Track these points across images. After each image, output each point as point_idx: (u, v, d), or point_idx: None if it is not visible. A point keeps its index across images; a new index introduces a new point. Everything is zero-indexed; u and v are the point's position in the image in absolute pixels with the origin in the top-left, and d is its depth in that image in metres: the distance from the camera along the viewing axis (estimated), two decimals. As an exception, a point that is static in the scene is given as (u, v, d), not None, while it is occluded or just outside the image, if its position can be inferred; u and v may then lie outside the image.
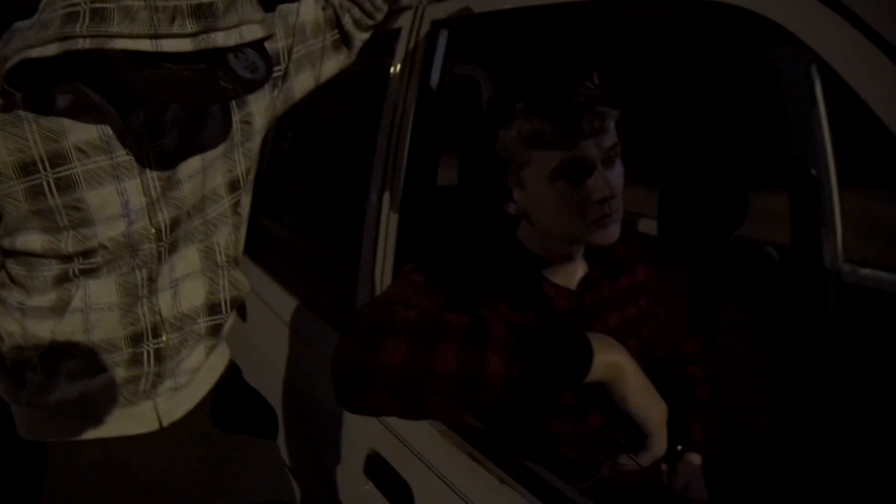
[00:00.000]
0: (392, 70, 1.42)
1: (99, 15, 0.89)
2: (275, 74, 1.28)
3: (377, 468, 1.32)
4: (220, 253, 1.30)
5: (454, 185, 1.96)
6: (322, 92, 1.42)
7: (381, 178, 1.39)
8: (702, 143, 2.08)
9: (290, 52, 1.31)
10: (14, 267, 1.17)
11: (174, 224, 1.20)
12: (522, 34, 1.54)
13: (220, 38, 0.93)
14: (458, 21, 1.27)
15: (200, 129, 1.20)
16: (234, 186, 1.28)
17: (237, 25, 0.95)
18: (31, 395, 1.22)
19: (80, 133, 1.08)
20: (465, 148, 1.18)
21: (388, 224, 1.36)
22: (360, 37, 1.39)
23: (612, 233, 1.03)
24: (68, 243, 1.12)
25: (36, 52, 0.94)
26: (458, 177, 1.23)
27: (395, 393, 0.83)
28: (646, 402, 0.89)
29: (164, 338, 1.24)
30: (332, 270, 1.87)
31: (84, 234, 1.12)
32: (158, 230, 1.18)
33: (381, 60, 1.48)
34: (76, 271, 1.15)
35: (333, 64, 1.39)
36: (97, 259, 1.15)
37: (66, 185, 1.08)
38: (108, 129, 1.09)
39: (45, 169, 1.07)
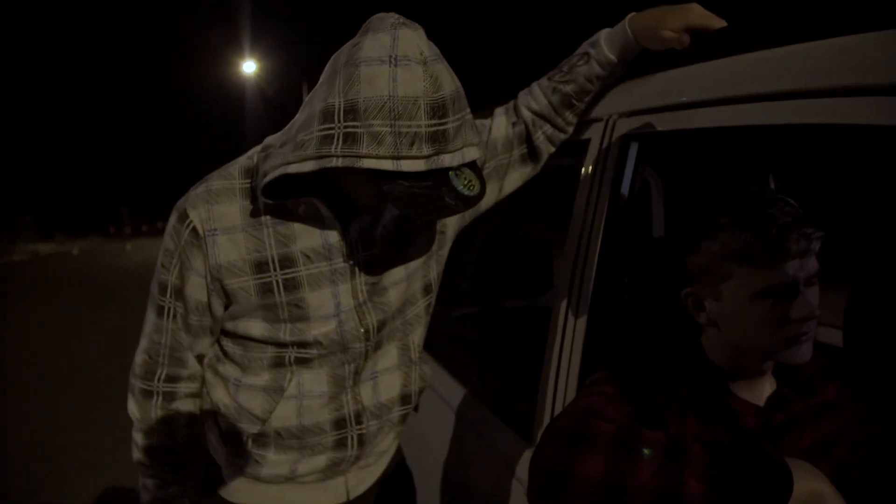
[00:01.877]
0: (581, 177, 1.47)
1: (351, 138, 1.03)
2: None
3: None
4: (414, 349, 1.41)
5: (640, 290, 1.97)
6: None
7: (568, 282, 1.43)
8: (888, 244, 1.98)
9: (482, 168, 1.40)
10: (231, 346, 1.31)
11: (381, 326, 1.32)
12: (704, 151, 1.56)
13: (447, 160, 1.05)
14: (647, 136, 1.32)
15: (405, 241, 1.33)
16: (427, 290, 1.41)
17: (461, 148, 1.06)
18: (245, 463, 1.35)
19: (307, 240, 1.23)
20: (640, 250, 1.19)
21: (576, 330, 1.39)
22: (549, 150, 1.48)
23: (807, 351, 1.02)
24: (286, 333, 1.26)
25: (293, 168, 1.09)
26: (630, 276, 1.25)
27: (592, 502, 0.84)
28: None
29: (364, 424, 1.35)
30: (508, 367, 1.91)
31: (299, 328, 1.25)
32: (367, 331, 1.30)
33: (563, 165, 1.55)
34: (291, 359, 1.29)
35: (519, 176, 1.49)
36: (312, 352, 1.28)
37: (291, 285, 1.23)
38: (330, 239, 1.24)
39: (275, 269, 1.23)
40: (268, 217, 1.22)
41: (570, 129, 1.48)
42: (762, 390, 1.11)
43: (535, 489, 0.89)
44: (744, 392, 1.09)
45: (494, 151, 1.44)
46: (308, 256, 1.24)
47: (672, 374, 1.10)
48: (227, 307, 1.28)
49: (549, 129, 1.46)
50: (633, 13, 1.36)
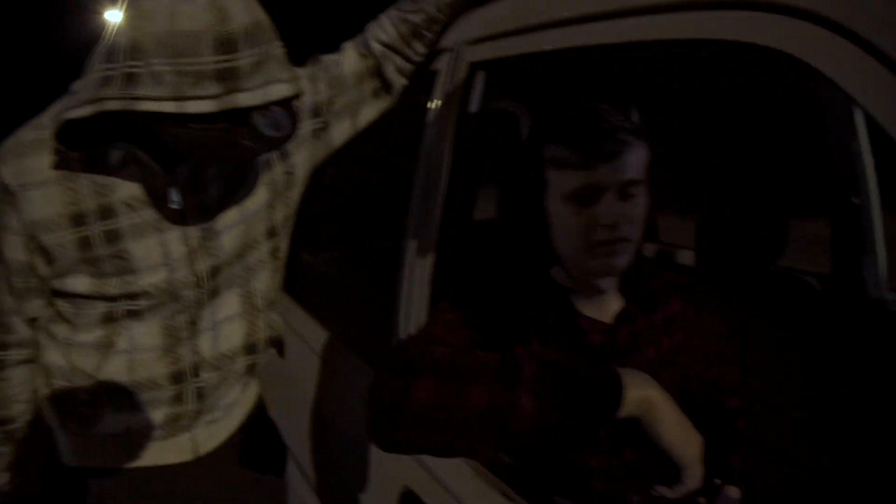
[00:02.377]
0: (430, 110, 1.44)
1: (130, 79, 0.96)
2: (315, 126, 1.35)
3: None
4: (259, 297, 1.35)
5: (490, 220, 1.99)
6: (362, 131, 1.45)
7: (418, 215, 1.42)
8: (740, 171, 2.07)
9: (331, 104, 1.36)
10: (63, 304, 1.24)
11: (214, 272, 1.26)
12: (558, 75, 1.56)
13: (243, 99, 0.98)
14: (494, 63, 1.30)
15: (241, 183, 1.26)
16: (271, 233, 1.34)
17: (263, 85, 0.99)
18: (78, 425, 1.29)
19: (128, 189, 1.16)
20: (501, 180, 1.19)
21: (425, 260, 1.38)
22: (401, 83, 1.44)
23: (617, 264, 1.04)
24: (113, 287, 1.19)
25: (73, 114, 1.02)
26: (497, 210, 1.25)
27: (427, 431, 0.84)
28: (680, 435, 0.89)
29: (204, 377, 1.30)
30: (369, 306, 1.89)
31: (127, 280, 1.19)
32: (199, 278, 1.24)
33: (419, 99, 1.51)
34: (121, 312, 1.22)
35: (374, 111, 1.45)
36: (141, 303, 1.22)
37: (113, 236, 1.16)
38: (153, 185, 1.16)
39: (94, 221, 1.15)
40: (81, 168, 1.14)
41: (420, 60, 1.44)
42: (609, 308, 1.13)
43: (371, 418, 0.89)
44: (590, 310, 1.12)
45: (345, 87, 1.39)
46: (130, 205, 1.16)
47: (518, 295, 1.11)
48: (50, 265, 1.20)
49: (399, 60, 1.42)
50: None
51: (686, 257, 2.64)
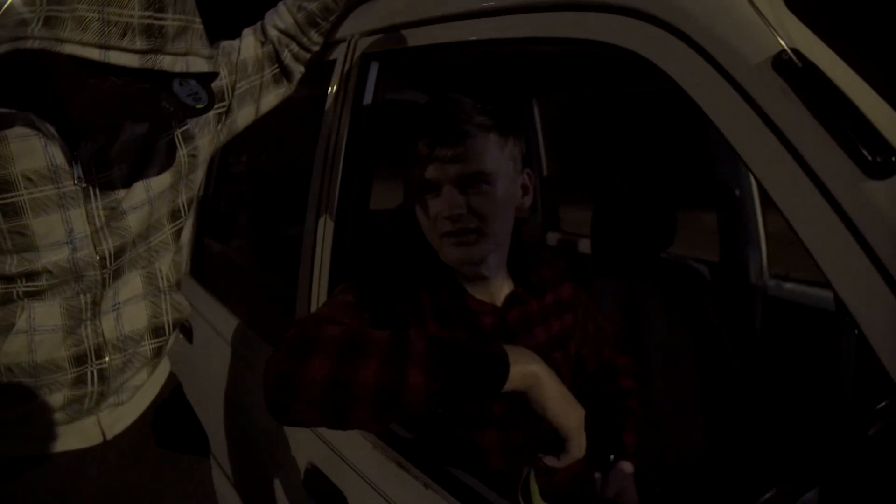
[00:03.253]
0: (327, 99, 1.48)
1: (51, 22, 0.91)
2: (218, 110, 1.34)
3: (315, 481, 1.36)
4: (162, 278, 1.33)
5: (388, 209, 2.03)
6: (266, 118, 1.47)
7: (316, 202, 1.45)
8: (632, 166, 2.19)
9: (233, 89, 1.37)
10: None
11: (119, 252, 1.23)
12: (445, 66, 1.62)
13: (166, 62, 0.97)
14: (387, 54, 1.34)
15: (147, 162, 1.23)
16: (175, 215, 1.32)
17: (185, 54, 0.99)
18: None
19: (28, 162, 1.10)
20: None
21: (324, 246, 1.41)
22: (299, 70, 1.46)
23: (468, 255, 1.09)
24: (12, 266, 1.14)
25: None
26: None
27: (321, 405, 0.87)
28: (562, 407, 0.92)
29: (107, 359, 1.26)
30: (274, 292, 1.91)
31: (27, 258, 1.14)
32: (103, 258, 1.20)
33: (317, 88, 1.54)
34: (20, 293, 1.17)
35: (274, 97, 1.46)
36: (42, 282, 1.17)
37: (11, 211, 1.11)
38: (55, 159, 1.11)
39: None
40: None
41: (316, 48, 1.47)
42: (499, 291, 1.18)
43: (268, 395, 0.90)
44: (481, 293, 1.16)
45: (245, 72, 1.40)
46: (30, 179, 1.10)
47: (413, 279, 1.15)
48: None
49: (295, 47, 1.44)
50: None
51: (586, 246, 2.74)
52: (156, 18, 0.95)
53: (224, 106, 1.36)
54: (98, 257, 1.20)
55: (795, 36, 0.69)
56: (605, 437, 1.09)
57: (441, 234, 1.09)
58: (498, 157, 1.08)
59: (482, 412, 1.12)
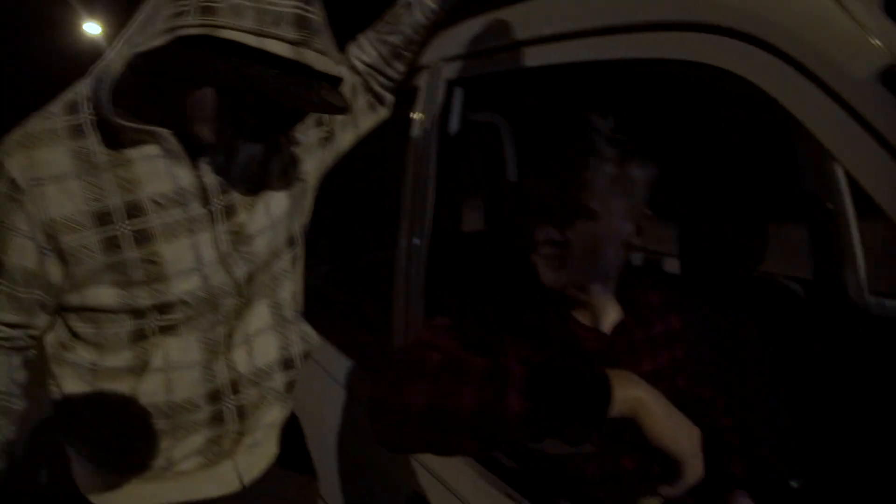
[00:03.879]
0: (412, 125, 1.50)
1: (207, 10, 0.92)
2: (322, 134, 1.34)
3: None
4: (287, 307, 1.30)
5: (477, 231, 2.04)
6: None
7: (408, 226, 1.47)
8: (721, 180, 2.12)
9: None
10: (80, 325, 1.12)
11: (250, 279, 1.20)
12: (536, 89, 1.62)
13: (311, 57, 0.97)
14: (470, 80, 1.36)
15: (264, 185, 1.22)
16: (292, 242, 1.30)
17: (325, 53, 0.99)
18: (108, 459, 1.18)
19: (155, 184, 1.07)
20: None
21: (418, 270, 1.43)
22: (390, 98, 1.46)
23: (560, 278, 1.09)
24: (145, 298, 1.09)
25: (144, 46, 0.95)
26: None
27: (423, 431, 0.88)
28: (674, 431, 0.88)
29: (243, 394, 1.23)
30: (364, 316, 1.94)
31: (159, 288, 1.09)
32: (238, 285, 1.17)
33: (399, 114, 1.57)
34: (154, 329, 1.13)
35: (370, 121, 1.45)
36: (178, 315, 1.13)
37: (143, 237, 1.07)
38: (181, 182, 1.09)
39: (121, 220, 1.05)
40: (104, 159, 1.04)
41: (401, 77, 1.47)
42: (605, 317, 1.15)
43: (373, 422, 0.93)
44: (586, 318, 1.15)
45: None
46: (158, 203, 1.07)
47: (512, 302, 1.14)
48: (68, 273, 1.07)
49: (382, 79, 1.44)
50: None
51: (671, 265, 2.68)
52: (305, 10, 0.95)
53: (327, 130, 1.35)
54: (233, 284, 1.17)
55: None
56: (715, 471, 1.06)
57: (540, 256, 1.08)
58: (607, 191, 1.05)
59: (587, 440, 1.10)
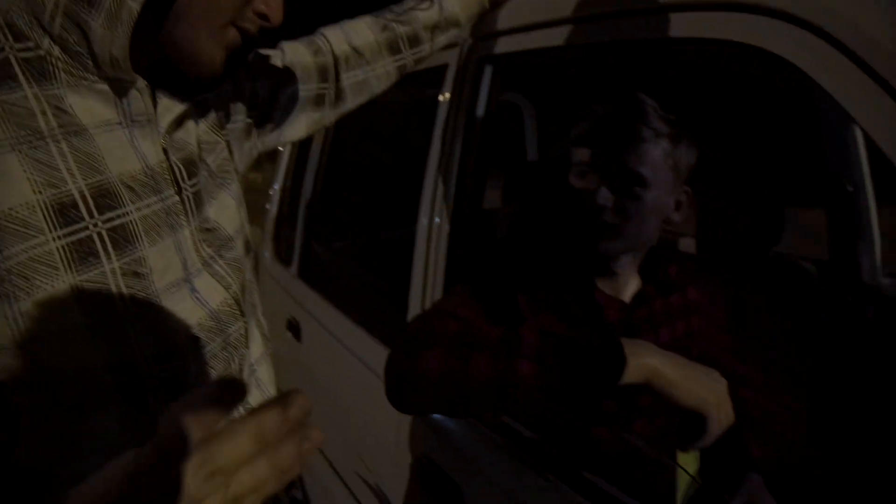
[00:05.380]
0: (440, 103, 1.51)
1: None
2: (250, 119, 1.06)
3: (430, 473, 1.40)
4: (264, 325, 1.03)
5: (498, 208, 2.06)
6: (371, 120, 1.50)
7: (430, 203, 1.49)
8: (738, 160, 2.13)
9: (274, 100, 1.12)
10: (36, 415, 0.67)
11: (243, 292, 0.90)
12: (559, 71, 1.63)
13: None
14: (501, 57, 1.37)
15: (227, 176, 0.95)
16: (248, 247, 0.97)
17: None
18: None
19: (121, 161, 0.74)
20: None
21: (438, 247, 1.45)
22: (356, 100, 1.26)
23: (607, 245, 1.09)
24: (142, 347, 0.71)
25: None
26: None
27: (437, 396, 0.92)
28: (692, 387, 0.91)
29: None
30: (383, 291, 1.97)
31: (152, 324, 0.73)
32: (237, 300, 0.87)
33: (428, 92, 1.58)
34: (156, 392, 0.73)
35: (313, 121, 1.20)
36: (189, 365, 0.77)
37: (122, 238, 0.72)
38: (148, 158, 0.77)
39: (91, 214, 0.69)
40: (51, 122, 0.68)
41: (384, 86, 1.29)
42: (627, 287, 1.18)
43: (389, 386, 0.98)
44: (609, 288, 1.17)
45: (289, 84, 1.13)
46: (132, 188, 0.74)
47: (532, 273, 1.16)
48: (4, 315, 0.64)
49: (360, 74, 1.23)
50: None
51: (687, 245, 2.69)
52: None
53: (255, 116, 1.07)
54: (233, 300, 0.87)
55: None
56: (732, 450, 1.08)
57: (581, 222, 1.10)
58: (660, 165, 1.07)
59: (603, 407, 1.11)
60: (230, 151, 0.98)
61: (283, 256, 2.63)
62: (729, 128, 2.24)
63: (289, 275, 2.49)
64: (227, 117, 0.98)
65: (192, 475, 0.39)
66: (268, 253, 2.77)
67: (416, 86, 1.54)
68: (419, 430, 1.47)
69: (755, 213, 1.87)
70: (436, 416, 1.39)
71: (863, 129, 0.74)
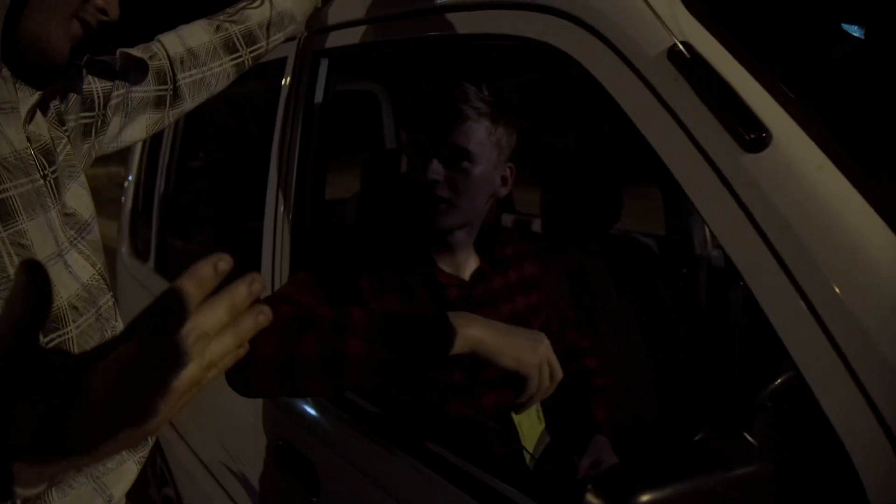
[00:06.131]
0: (280, 95, 1.54)
1: None
2: (87, 120, 1.10)
3: (287, 456, 1.44)
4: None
5: (344, 198, 2.11)
6: (216, 113, 1.51)
7: (274, 195, 1.52)
8: (579, 144, 2.28)
9: (105, 97, 1.13)
10: None
11: (107, 271, 1.00)
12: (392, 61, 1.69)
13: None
14: (335, 51, 1.42)
15: (73, 169, 1.01)
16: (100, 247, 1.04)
17: None
18: None
19: None
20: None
21: (283, 237, 1.48)
22: (196, 97, 1.29)
23: (432, 221, 1.16)
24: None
25: None
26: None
27: (273, 378, 0.96)
28: (511, 349, 0.96)
29: None
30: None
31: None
32: (103, 276, 0.96)
33: (269, 84, 1.60)
34: None
35: (154, 120, 1.24)
36: (69, 328, 0.87)
37: (3, 210, 0.81)
38: (14, 143, 0.85)
39: None
40: None
41: (224, 84, 1.32)
42: (466, 266, 1.25)
43: (227, 373, 0.99)
44: (449, 267, 1.23)
45: (128, 84, 1.16)
46: (6, 168, 0.82)
47: (373, 256, 1.20)
48: None
49: (197, 74, 1.25)
50: None
51: (539, 225, 2.83)
52: None
53: (90, 118, 1.10)
54: (99, 275, 0.95)
55: (687, 30, 0.79)
56: (578, 417, 1.19)
57: (417, 199, 1.16)
58: (484, 141, 1.15)
59: (445, 380, 1.17)
60: (72, 147, 1.03)
61: (139, 251, 2.57)
62: (567, 113, 2.38)
63: (146, 269, 2.45)
64: (64, 115, 1.01)
65: (186, 337, 0.47)
66: (125, 248, 2.70)
67: (260, 78, 1.56)
68: (274, 415, 1.50)
69: (596, 192, 1.98)
70: (287, 399, 1.43)
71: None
